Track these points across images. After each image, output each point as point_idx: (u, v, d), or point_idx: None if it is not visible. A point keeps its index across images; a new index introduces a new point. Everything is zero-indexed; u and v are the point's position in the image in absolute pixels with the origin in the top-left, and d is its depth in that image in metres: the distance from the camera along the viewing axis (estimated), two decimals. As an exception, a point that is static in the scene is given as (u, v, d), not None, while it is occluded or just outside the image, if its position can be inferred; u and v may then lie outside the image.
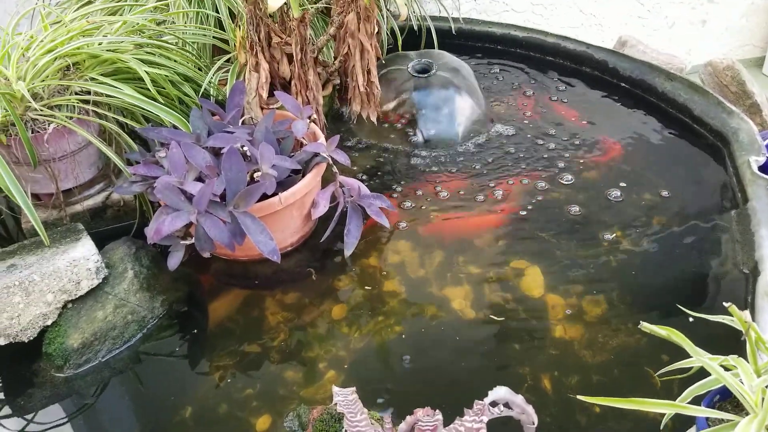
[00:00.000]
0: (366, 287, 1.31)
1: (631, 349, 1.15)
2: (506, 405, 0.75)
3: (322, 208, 1.34)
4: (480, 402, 0.72)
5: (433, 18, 1.87)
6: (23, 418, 1.11)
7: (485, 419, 0.71)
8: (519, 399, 0.75)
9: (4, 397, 1.15)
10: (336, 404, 0.85)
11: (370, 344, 1.20)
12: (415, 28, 1.80)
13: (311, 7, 1.33)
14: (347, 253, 1.33)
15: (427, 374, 1.13)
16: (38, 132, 1.22)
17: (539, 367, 1.13)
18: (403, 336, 1.20)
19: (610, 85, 1.85)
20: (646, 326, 0.91)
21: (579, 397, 0.84)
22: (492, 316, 1.23)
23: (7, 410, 1.13)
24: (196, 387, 1.15)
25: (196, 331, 1.27)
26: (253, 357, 1.20)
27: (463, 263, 1.35)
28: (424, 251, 1.38)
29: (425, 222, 1.45)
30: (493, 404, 0.75)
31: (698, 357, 0.84)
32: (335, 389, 0.83)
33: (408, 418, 0.76)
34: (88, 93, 1.25)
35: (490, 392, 0.73)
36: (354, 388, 0.83)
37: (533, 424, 0.76)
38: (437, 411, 0.77)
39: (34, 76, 1.22)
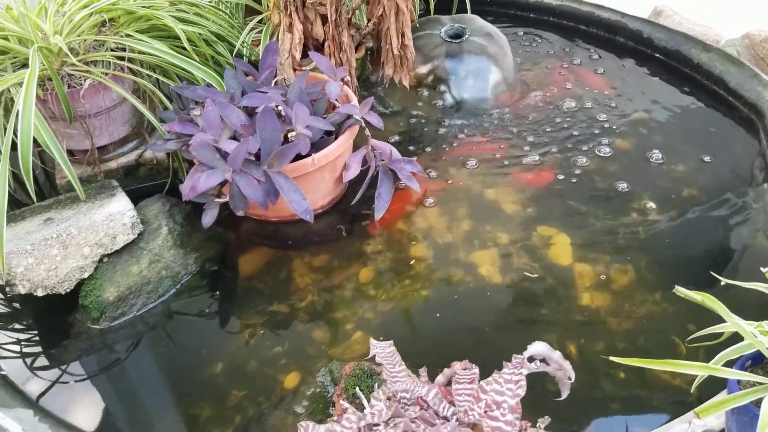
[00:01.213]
0: (393, 251, 1.32)
1: (658, 318, 1.15)
2: (543, 361, 0.76)
3: (354, 171, 1.34)
4: (518, 356, 0.73)
5: (467, -17, 1.83)
6: (59, 369, 1.14)
7: (524, 372, 0.71)
8: (557, 355, 0.75)
9: (41, 348, 1.18)
10: (369, 359, 0.87)
11: (396, 307, 1.21)
12: (448, -8, 1.77)
13: (346, -33, 1.31)
14: (377, 216, 1.33)
15: (453, 337, 1.15)
16: (74, 87, 1.22)
17: (565, 333, 1.14)
18: (430, 300, 1.21)
19: (645, 55, 1.82)
20: (680, 290, 0.91)
21: (612, 358, 0.84)
22: (527, 273, 1.23)
23: (43, 360, 1.16)
24: (226, 344, 1.17)
25: (226, 289, 1.29)
26: (282, 316, 1.22)
27: (490, 230, 1.34)
28: (451, 217, 1.38)
29: (453, 188, 1.44)
30: (530, 360, 0.76)
31: (733, 322, 0.84)
32: (373, 342, 0.84)
33: (445, 370, 0.77)
34: (123, 50, 1.25)
35: (529, 347, 0.74)
36: (391, 341, 0.84)
37: (570, 379, 0.77)
38: (474, 365, 0.78)
39: (70, 30, 1.22)
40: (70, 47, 1.17)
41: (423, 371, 0.83)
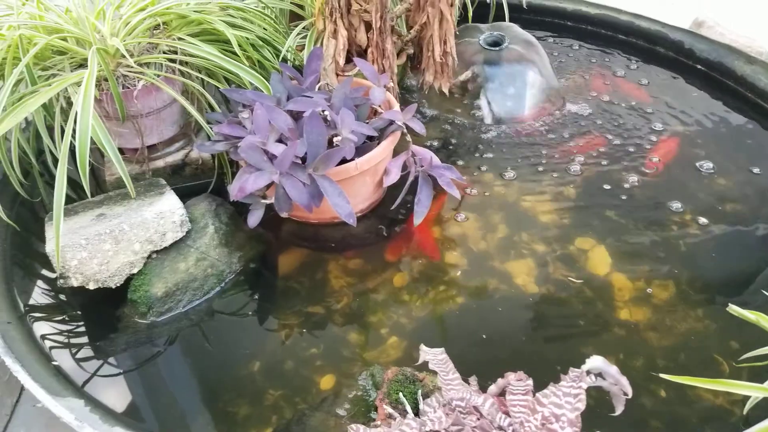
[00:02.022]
0: (428, 257, 1.33)
1: (699, 335, 1.14)
2: (599, 375, 0.76)
3: (394, 176, 1.36)
4: (576, 369, 0.74)
5: (506, -9, 1.84)
6: (106, 361, 1.18)
7: (584, 386, 0.72)
8: (613, 370, 0.76)
9: (89, 340, 1.22)
10: (416, 366, 0.88)
11: (431, 313, 1.23)
12: (488, 0, 1.78)
13: (392, -25, 1.33)
14: (416, 221, 1.35)
15: (488, 346, 1.15)
16: (128, 88, 1.26)
17: (603, 347, 1.14)
18: (464, 307, 1.23)
19: (686, 66, 1.81)
20: (734, 309, 0.90)
21: (663, 375, 0.84)
22: (571, 279, 1.24)
23: (91, 352, 1.20)
24: (264, 343, 1.20)
25: (266, 288, 1.31)
26: (318, 318, 1.24)
27: (527, 239, 1.35)
28: (487, 225, 1.39)
29: (489, 195, 1.46)
30: (587, 373, 0.76)
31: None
32: (424, 348, 0.85)
33: (499, 380, 0.78)
34: (175, 52, 1.29)
35: (587, 360, 0.74)
36: (443, 349, 0.85)
37: (626, 395, 0.77)
38: (528, 377, 0.79)
39: (126, 33, 1.26)
40: (125, 49, 1.20)
41: (474, 380, 0.84)
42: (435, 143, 1.60)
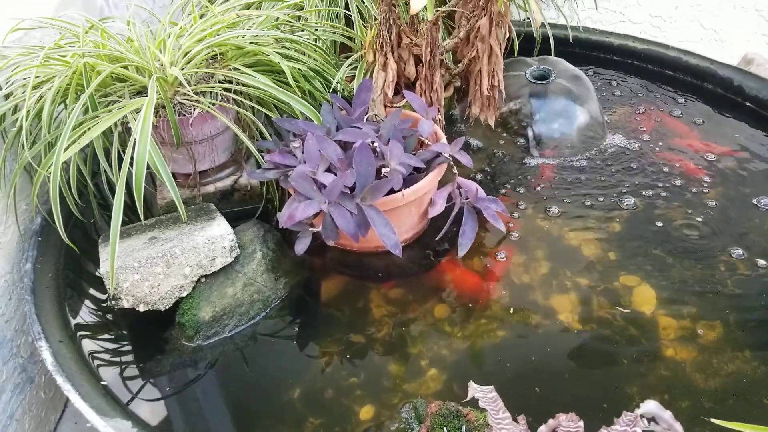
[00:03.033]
0: (470, 289, 1.33)
1: (748, 378, 1.11)
2: (652, 419, 0.75)
3: (439, 207, 1.36)
4: (630, 413, 0.72)
5: (551, 25, 1.85)
6: (152, 382, 1.20)
7: (639, 430, 0.71)
8: (667, 415, 0.74)
9: (137, 361, 1.24)
10: (465, 402, 0.87)
11: (472, 346, 1.22)
12: (534, 34, 1.79)
13: (442, 10, 1.35)
14: (461, 253, 1.35)
15: (530, 382, 1.14)
16: (184, 115, 1.30)
17: (648, 387, 1.11)
18: (506, 341, 1.21)
19: (735, 103, 1.78)
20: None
21: (714, 420, 0.82)
22: (619, 308, 1.24)
23: (137, 373, 1.22)
24: (305, 370, 1.20)
25: (308, 315, 1.32)
26: (358, 347, 1.24)
27: (570, 274, 1.34)
28: (530, 259, 1.38)
29: (533, 230, 1.45)
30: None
31: None
32: (473, 385, 0.84)
33: (550, 421, 0.77)
34: (230, 82, 1.33)
35: (641, 404, 0.73)
36: (492, 387, 0.85)
37: (677, 441, 0.75)
38: (579, 418, 0.78)
39: (184, 62, 1.30)
40: (183, 78, 1.24)
41: (522, 419, 0.83)
42: (479, 175, 1.60)
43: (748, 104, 1.76)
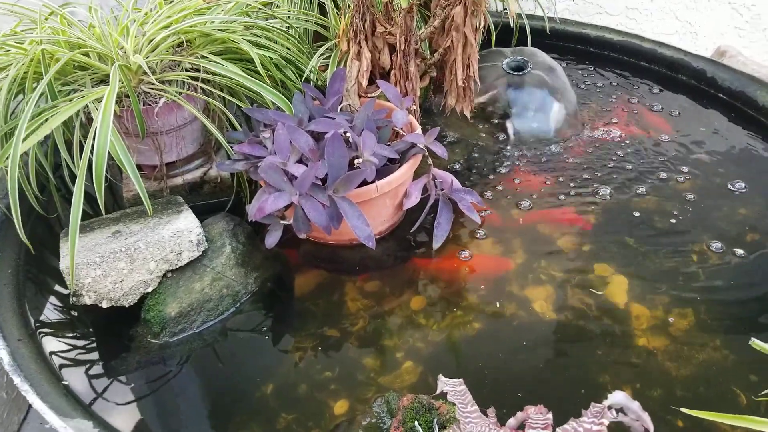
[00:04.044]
0: (446, 281, 1.31)
1: (718, 366, 1.12)
2: (620, 410, 0.74)
3: (414, 199, 1.34)
4: (598, 405, 0.71)
5: (529, 16, 1.84)
6: (117, 381, 1.15)
7: (606, 422, 0.69)
8: (635, 405, 0.73)
9: (101, 360, 1.19)
10: (435, 395, 0.85)
11: (447, 338, 1.20)
12: (511, 25, 1.77)
13: (417, -2, 1.33)
14: (436, 245, 1.33)
15: (505, 373, 1.13)
16: (149, 105, 1.25)
17: (620, 377, 1.11)
18: (481, 333, 1.20)
19: (708, 95, 1.79)
20: (756, 343, 0.88)
21: (683, 410, 0.82)
22: (593, 290, 1.25)
23: (102, 371, 1.17)
24: (278, 365, 1.17)
25: (281, 309, 1.29)
26: (333, 341, 1.21)
27: (545, 265, 1.33)
28: (506, 250, 1.37)
29: (508, 221, 1.43)
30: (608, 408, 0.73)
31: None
32: (442, 378, 0.82)
33: (518, 414, 0.75)
34: (197, 70, 1.28)
35: (609, 396, 0.72)
36: (461, 380, 0.83)
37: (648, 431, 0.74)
38: (548, 410, 0.76)
39: (149, 50, 1.25)
40: (147, 66, 1.20)
41: (492, 412, 0.81)
42: (455, 166, 1.58)
43: (720, 95, 1.77)
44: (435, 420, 0.94)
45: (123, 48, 1.24)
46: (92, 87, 1.25)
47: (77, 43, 1.24)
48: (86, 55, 1.24)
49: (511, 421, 0.78)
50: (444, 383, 0.82)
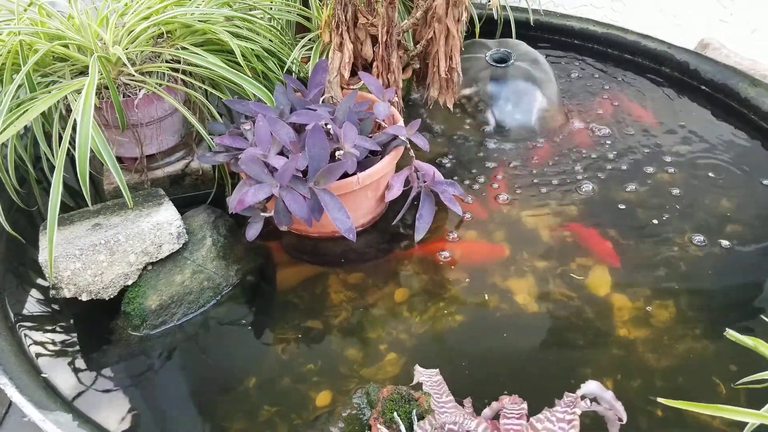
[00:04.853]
0: (429, 273, 1.31)
1: (698, 357, 1.13)
2: (594, 400, 0.75)
3: (396, 191, 1.34)
4: (571, 394, 0.72)
5: (513, 8, 1.84)
6: (98, 374, 1.15)
7: (578, 411, 0.70)
8: (608, 395, 0.74)
9: (81, 352, 1.19)
10: (413, 385, 0.86)
11: (430, 330, 1.20)
12: (495, 16, 1.77)
13: (399, -11, 1.32)
14: (418, 237, 1.33)
15: (487, 365, 1.13)
16: (129, 96, 1.25)
17: (602, 367, 1.12)
18: (464, 325, 1.20)
19: (691, 87, 1.80)
20: (731, 334, 0.89)
21: (660, 399, 0.83)
22: (573, 275, 1.26)
23: (82, 364, 1.17)
24: (260, 358, 1.17)
25: (263, 302, 1.29)
26: (316, 333, 1.21)
27: (528, 257, 1.33)
28: (489, 242, 1.37)
29: (491, 212, 1.44)
30: (582, 398, 0.74)
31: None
32: (419, 369, 0.83)
33: (493, 404, 0.76)
34: (178, 62, 1.28)
35: (582, 385, 0.72)
36: (437, 370, 0.83)
37: (621, 421, 0.75)
38: (523, 400, 0.77)
39: (129, 41, 1.24)
40: (127, 57, 1.19)
41: (468, 402, 0.82)
42: (439, 159, 1.58)
43: (703, 88, 1.78)
44: (414, 411, 0.94)
45: (102, 39, 1.22)
46: (71, 79, 1.24)
47: (56, 35, 1.23)
48: (65, 46, 1.23)
49: (486, 411, 0.78)
50: (420, 373, 0.83)
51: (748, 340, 0.87)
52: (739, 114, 1.69)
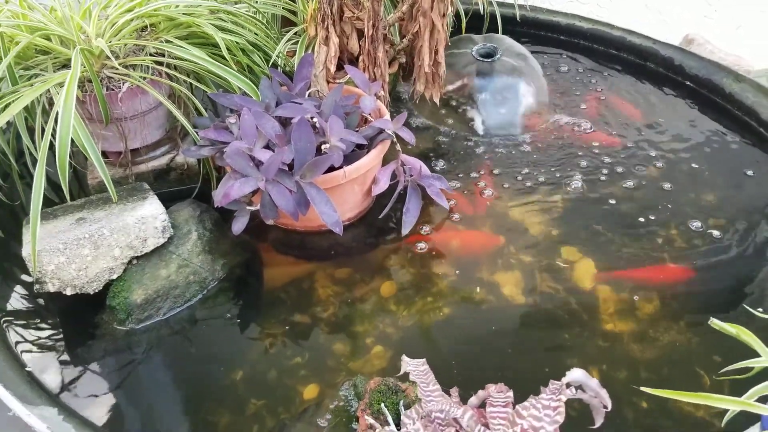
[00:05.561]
0: (416, 267, 1.31)
1: (682, 348, 1.14)
2: (579, 387, 0.75)
3: (383, 185, 1.34)
4: (556, 382, 0.72)
5: (499, 3, 1.84)
6: (83, 368, 1.15)
7: (563, 398, 0.71)
8: (594, 382, 0.74)
9: (66, 347, 1.18)
10: (399, 376, 0.86)
11: (417, 323, 1.21)
12: (482, 12, 1.78)
13: (385, -17, 1.32)
14: (404, 231, 1.33)
15: (474, 357, 1.14)
16: (112, 90, 1.24)
17: (587, 358, 1.13)
18: (452, 318, 1.21)
19: (675, 82, 1.81)
20: (715, 323, 0.90)
21: (643, 388, 0.83)
22: (558, 262, 1.27)
23: (67, 359, 1.16)
24: (247, 352, 1.17)
25: (250, 296, 1.29)
26: (303, 327, 1.21)
27: (515, 250, 1.34)
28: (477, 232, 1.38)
29: (478, 207, 1.44)
30: (567, 386, 0.75)
31: (769, 356, 0.83)
32: (405, 359, 0.83)
33: (480, 392, 0.76)
34: (162, 55, 1.27)
35: (567, 373, 0.73)
36: (424, 359, 0.84)
37: (606, 408, 0.76)
38: (509, 388, 0.77)
39: (112, 34, 1.23)
40: (110, 50, 1.18)
41: (455, 391, 0.82)
42: (425, 153, 1.58)
43: (688, 83, 1.79)
44: (401, 402, 0.95)
45: (85, 32, 1.21)
46: (54, 72, 1.23)
47: (38, 27, 1.22)
48: (47, 38, 1.22)
49: (473, 400, 0.79)
50: (407, 363, 0.83)
51: (730, 328, 0.89)
52: (723, 109, 1.70)
